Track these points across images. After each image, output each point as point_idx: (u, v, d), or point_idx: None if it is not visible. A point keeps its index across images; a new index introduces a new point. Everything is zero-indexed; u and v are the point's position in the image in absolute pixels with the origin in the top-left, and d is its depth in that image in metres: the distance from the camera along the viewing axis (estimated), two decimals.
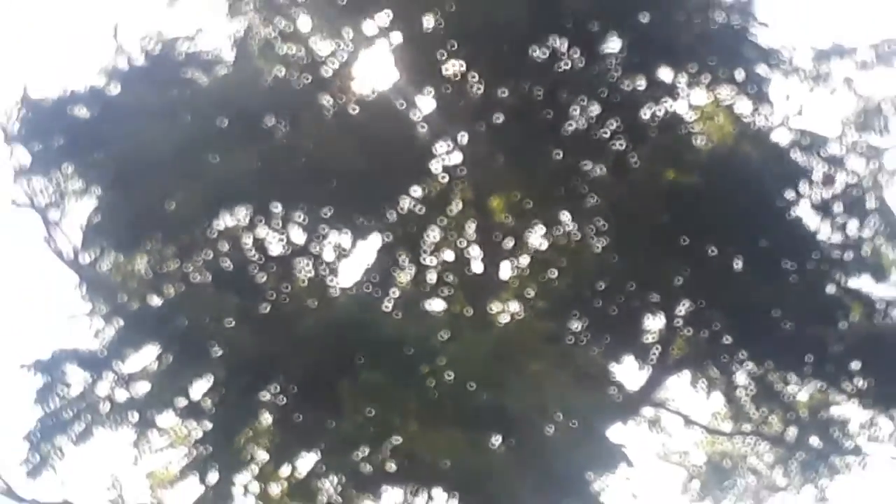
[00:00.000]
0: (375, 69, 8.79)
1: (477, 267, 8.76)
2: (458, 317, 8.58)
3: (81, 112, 8.33)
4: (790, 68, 8.45)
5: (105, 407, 7.59)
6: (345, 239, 8.58)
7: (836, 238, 8.62)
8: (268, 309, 8.04)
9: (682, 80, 8.34)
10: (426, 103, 8.77)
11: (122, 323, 7.93)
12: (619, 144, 8.55)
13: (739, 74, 8.26)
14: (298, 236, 8.57)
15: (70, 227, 8.55)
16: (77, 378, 7.68)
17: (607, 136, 8.53)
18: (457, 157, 8.80)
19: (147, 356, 7.82)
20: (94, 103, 8.36)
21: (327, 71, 8.74)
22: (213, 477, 7.52)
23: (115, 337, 7.84)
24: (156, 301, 8.20)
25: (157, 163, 7.64)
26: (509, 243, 8.97)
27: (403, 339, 6.78)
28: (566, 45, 8.42)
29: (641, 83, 8.35)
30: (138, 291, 8.35)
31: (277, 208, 8.30)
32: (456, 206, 8.85)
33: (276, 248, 8.47)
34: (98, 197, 8.30)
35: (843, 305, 8.56)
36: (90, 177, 8.28)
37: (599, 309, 8.58)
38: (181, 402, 7.68)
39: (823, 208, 8.59)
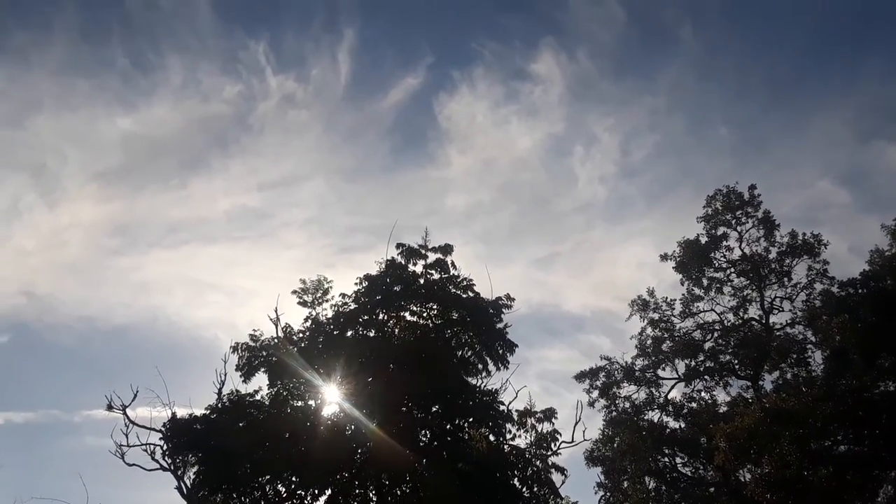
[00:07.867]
0: None
1: None
2: None
3: (197, 427, 18.49)
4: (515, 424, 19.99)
5: None
6: None
7: (528, 493, 19.79)
8: None
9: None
10: None
11: None
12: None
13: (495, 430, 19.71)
14: None
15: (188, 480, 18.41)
16: None
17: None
18: None
19: None
20: (204, 423, 18.56)
21: None
22: None
23: None
24: None
25: (233, 454, 17.90)
26: None
27: None
28: None
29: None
30: None
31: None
32: None
33: None
34: (200, 467, 18.31)
35: None
36: (199, 458, 18.32)
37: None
38: None
39: (524, 480, 19.78)
